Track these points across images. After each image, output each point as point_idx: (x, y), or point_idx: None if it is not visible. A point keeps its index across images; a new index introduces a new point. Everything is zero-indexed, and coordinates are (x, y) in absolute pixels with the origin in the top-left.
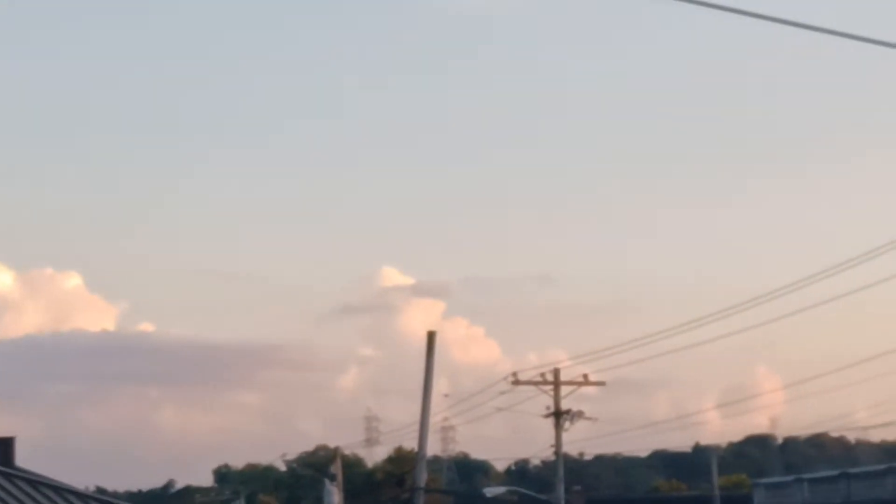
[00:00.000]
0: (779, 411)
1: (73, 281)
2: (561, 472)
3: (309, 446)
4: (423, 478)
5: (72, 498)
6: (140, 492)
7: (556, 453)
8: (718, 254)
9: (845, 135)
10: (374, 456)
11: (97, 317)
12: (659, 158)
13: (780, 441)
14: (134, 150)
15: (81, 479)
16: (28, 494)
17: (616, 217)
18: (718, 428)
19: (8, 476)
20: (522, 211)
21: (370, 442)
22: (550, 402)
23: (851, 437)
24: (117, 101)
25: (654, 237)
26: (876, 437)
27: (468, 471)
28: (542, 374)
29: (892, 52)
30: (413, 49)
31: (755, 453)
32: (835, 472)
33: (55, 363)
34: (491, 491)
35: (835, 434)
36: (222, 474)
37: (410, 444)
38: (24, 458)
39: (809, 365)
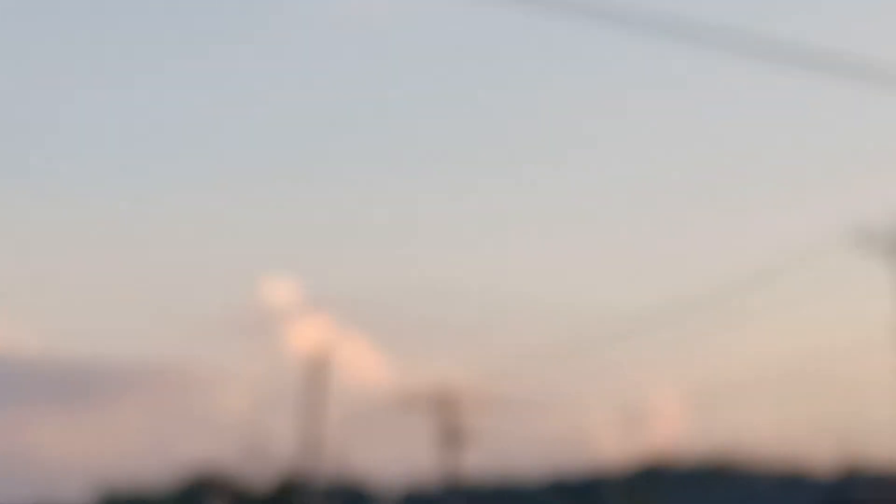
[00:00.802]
0: (680, 431)
1: None
2: (456, 496)
3: (193, 469)
4: (312, 503)
5: None
6: None
7: (452, 476)
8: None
9: None
10: (260, 480)
11: None
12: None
13: (679, 466)
14: None
15: None
16: None
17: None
18: (621, 450)
19: None
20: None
21: (255, 465)
22: (446, 422)
23: (750, 462)
24: None
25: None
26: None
27: (358, 496)
28: (437, 392)
29: None
30: None
31: (660, 477)
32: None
33: None
34: None
35: (738, 457)
36: (103, 497)
37: (298, 467)
38: None
39: (708, 385)
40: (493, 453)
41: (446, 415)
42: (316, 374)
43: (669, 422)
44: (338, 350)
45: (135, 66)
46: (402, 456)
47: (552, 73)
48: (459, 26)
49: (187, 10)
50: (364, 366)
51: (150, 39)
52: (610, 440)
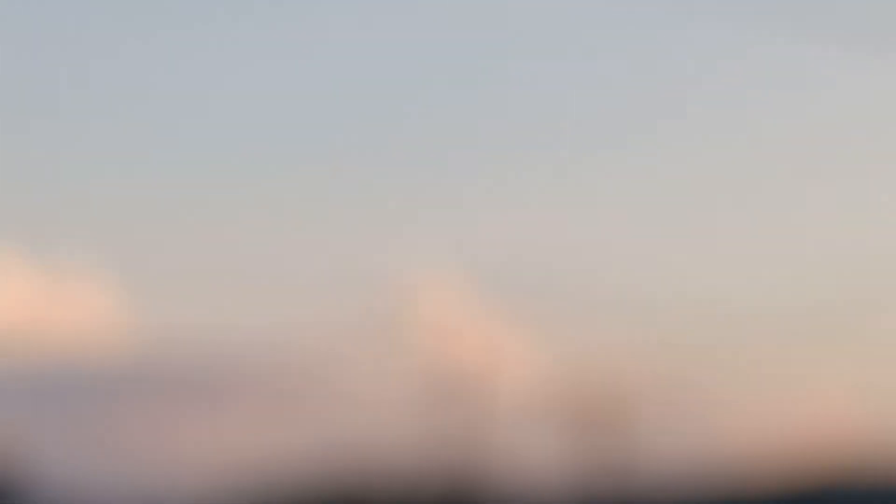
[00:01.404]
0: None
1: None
2: None
3: (324, 466)
4: None
5: None
6: None
7: None
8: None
9: None
10: (391, 479)
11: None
12: None
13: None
14: None
15: None
16: None
17: None
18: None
19: None
20: None
21: (386, 463)
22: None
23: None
24: None
25: None
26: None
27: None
28: (589, 388)
29: None
30: None
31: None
32: None
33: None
34: None
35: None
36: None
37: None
38: None
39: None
40: (661, 452)
41: (600, 409)
42: (455, 364)
43: (839, 423)
44: (478, 338)
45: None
46: (550, 456)
47: (657, 53)
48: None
49: None
50: (516, 353)
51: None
52: (774, 449)
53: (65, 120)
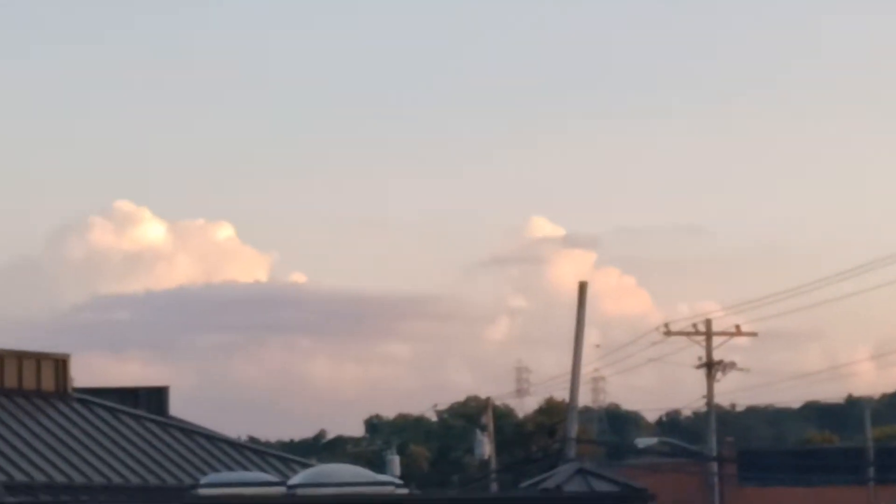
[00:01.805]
0: None
1: (226, 232)
2: (713, 423)
3: (459, 397)
4: (574, 428)
5: (224, 447)
6: (292, 441)
7: (708, 404)
8: (873, 202)
9: None
10: (525, 407)
11: (249, 268)
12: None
13: None
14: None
15: (233, 429)
16: (181, 443)
17: (766, 163)
18: (872, 379)
19: (162, 425)
20: (670, 160)
21: (521, 393)
22: (702, 352)
23: None
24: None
25: (808, 183)
26: None
27: (619, 422)
28: (694, 325)
29: None
30: None
31: None
32: None
33: (207, 314)
34: (642, 442)
35: None
36: (373, 425)
37: (561, 394)
38: (177, 408)
39: None
40: (750, 382)
41: (705, 345)
42: (581, 308)
43: None
44: (602, 285)
45: None
46: (662, 386)
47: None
48: None
49: None
50: (626, 300)
51: None
52: (867, 368)
53: None
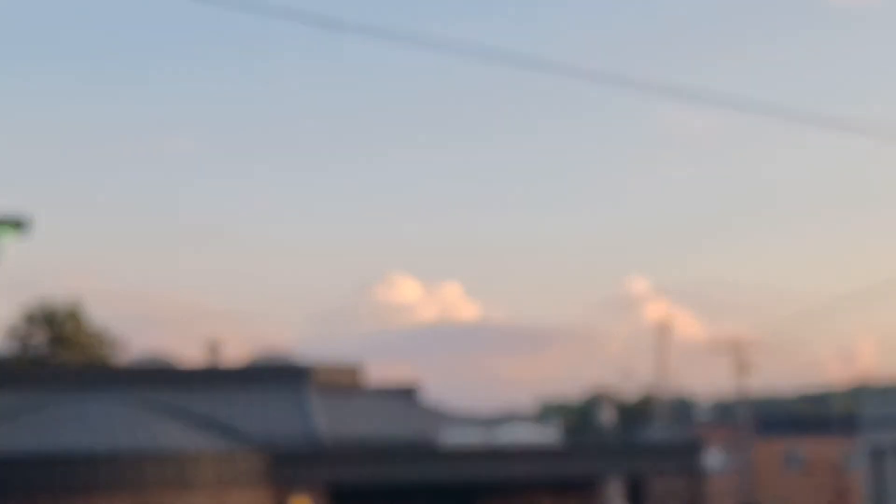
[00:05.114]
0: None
1: (455, 288)
2: (742, 402)
3: (591, 386)
4: (660, 404)
5: (454, 417)
6: (491, 414)
7: (740, 389)
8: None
9: None
10: (630, 392)
11: (468, 311)
12: None
13: (881, 386)
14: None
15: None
16: (426, 417)
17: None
18: (841, 375)
19: (415, 408)
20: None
21: (627, 383)
22: (737, 358)
23: None
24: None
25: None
26: None
27: (684, 401)
28: (731, 341)
29: None
30: None
31: (863, 392)
32: None
33: (444, 342)
34: (700, 412)
35: None
36: (540, 403)
37: (653, 384)
38: (430, 395)
39: None
40: (768, 378)
41: (738, 354)
42: (661, 332)
43: (869, 358)
44: (673, 318)
45: None
46: (712, 381)
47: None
48: None
49: None
50: (689, 327)
51: None
52: (834, 370)
53: None
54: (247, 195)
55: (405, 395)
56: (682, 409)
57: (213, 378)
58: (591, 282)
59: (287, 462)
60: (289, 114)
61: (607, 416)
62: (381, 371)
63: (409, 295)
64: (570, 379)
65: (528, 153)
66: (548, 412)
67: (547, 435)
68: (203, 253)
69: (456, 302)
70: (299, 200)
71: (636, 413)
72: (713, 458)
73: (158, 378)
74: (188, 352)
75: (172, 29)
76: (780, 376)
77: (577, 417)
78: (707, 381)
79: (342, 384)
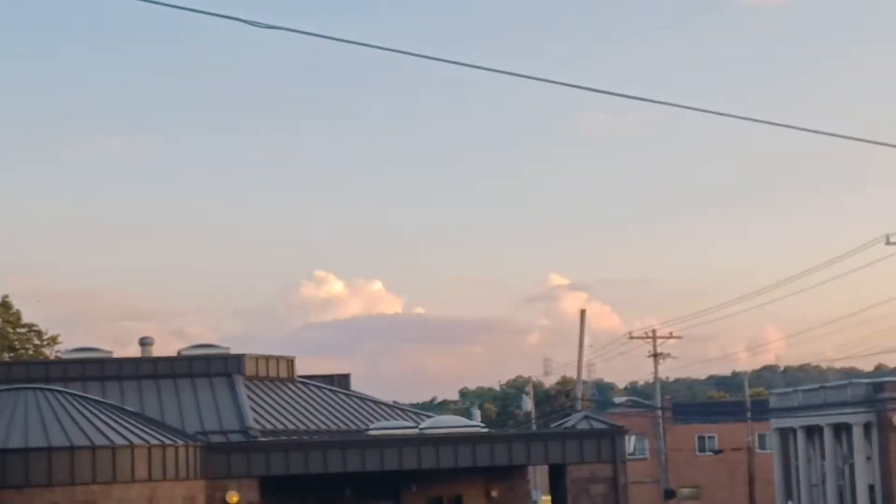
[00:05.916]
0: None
1: (377, 286)
2: (658, 388)
3: (511, 376)
4: (579, 393)
5: (383, 407)
6: (417, 403)
7: (655, 378)
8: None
9: None
10: (550, 381)
11: (391, 305)
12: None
13: (781, 368)
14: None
15: (387, 397)
16: (358, 405)
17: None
18: (748, 361)
19: (348, 395)
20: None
21: (547, 373)
22: (650, 348)
23: (824, 365)
24: None
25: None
26: (838, 365)
27: (602, 389)
28: (646, 333)
29: None
30: None
31: (768, 376)
32: (815, 386)
33: (368, 332)
34: (618, 399)
35: (813, 364)
36: (463, 393)
37: (571, 373)
38: (356, 385)
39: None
40: (679, 366)
41: (653, 345)
42: (582, 324)
43: (774, 346)
44: (590, 311)
45: None
46: (627, 368)
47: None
48: None
49: None
50: (606, 320)
51: None
52: (743, 356)
53: None
54: (177, 194)
55: (335, 387)
56: (600, 394)
57: (144, 371)
58: (512, 277)
59: (219, 454)
60: (209, 102)
61: (529, 404)
62: (310, 365)
63: (334, 291)
64: (492, 370)
65: (420, 146)
66: (471, 401)
67: (472, 423)
68: (133, 252)
69: (379, 297)
70: (232, 199)
71: (556, 400)
72: (630, 444)
73: (90, 372)
74: (119, 350)
75: None
76: (692, 365)
77: (500, 406)
78: (623, 371)
79: (273, 376)
